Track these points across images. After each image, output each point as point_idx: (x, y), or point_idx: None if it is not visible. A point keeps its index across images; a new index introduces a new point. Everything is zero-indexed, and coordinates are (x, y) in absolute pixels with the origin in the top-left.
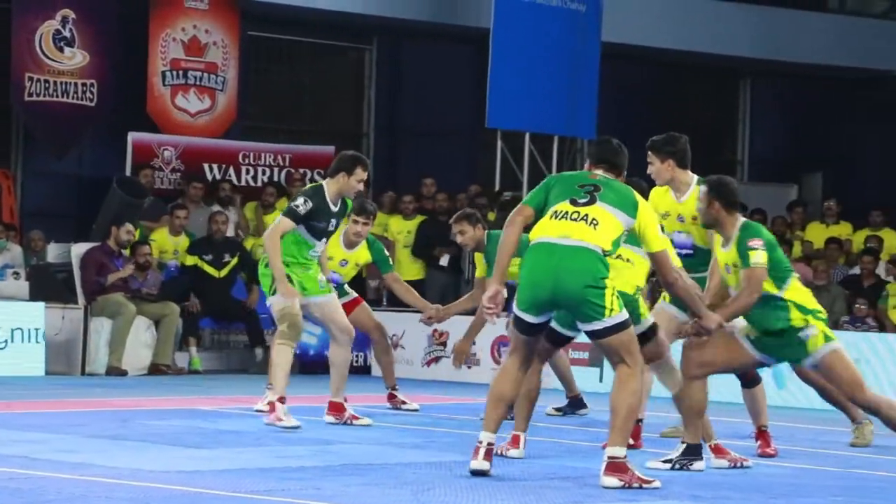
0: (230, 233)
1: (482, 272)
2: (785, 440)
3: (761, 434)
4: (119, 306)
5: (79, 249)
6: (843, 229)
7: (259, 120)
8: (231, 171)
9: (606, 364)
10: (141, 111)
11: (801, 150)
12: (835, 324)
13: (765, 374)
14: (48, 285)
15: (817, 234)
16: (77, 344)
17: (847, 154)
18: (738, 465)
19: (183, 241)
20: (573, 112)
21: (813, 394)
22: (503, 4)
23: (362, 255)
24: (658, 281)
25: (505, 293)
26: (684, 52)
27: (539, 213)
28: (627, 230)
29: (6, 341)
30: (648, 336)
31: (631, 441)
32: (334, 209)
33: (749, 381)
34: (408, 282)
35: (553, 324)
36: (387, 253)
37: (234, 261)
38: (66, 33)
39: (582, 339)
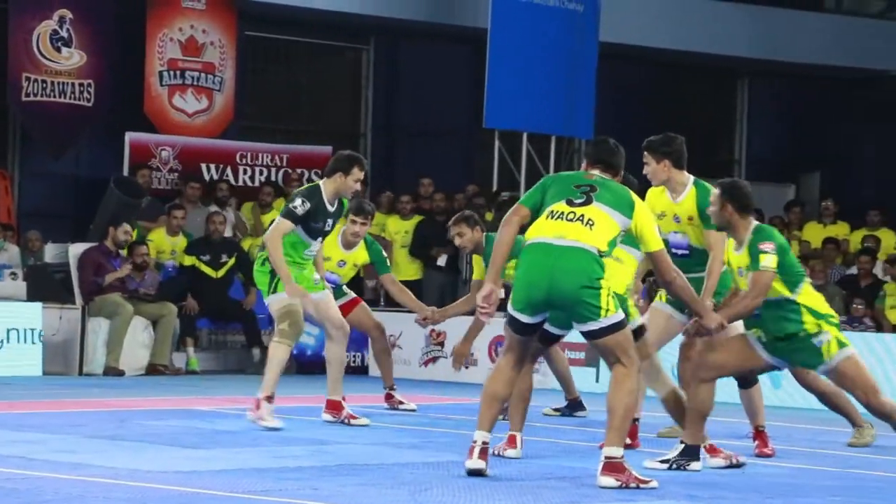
0: (228, 233)
1: (480, 274)
2: (782, 440)
3: (759, 434)
4: (116, 306)
5: (76, 250)
6: (840, 229)
7: (256, 120)
8: (228, 171)
9: (602, 364)
10: (138, 111)
11: (798, 150)
12: None
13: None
14: (45, 285)
15: (815, 233)
16: (74, 344)
17: (844, 154)
18: (734, 461)
19: (180, 242)
20: (571, 112)
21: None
22: (500, 4)
23: (360, 255)
24: (655, 280)
25: (502, 293)
26: (682, 52)
27: (535, 214)
28: (624, 230)
29: (3, 341)
30: (635, 336)
31: (628, 440)
32: (331, 209)
33: (746, 381)
34: (405, 282)
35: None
36: (384, 254)
37: (232, 261)
38: (64, 33)
39: (578, 339)
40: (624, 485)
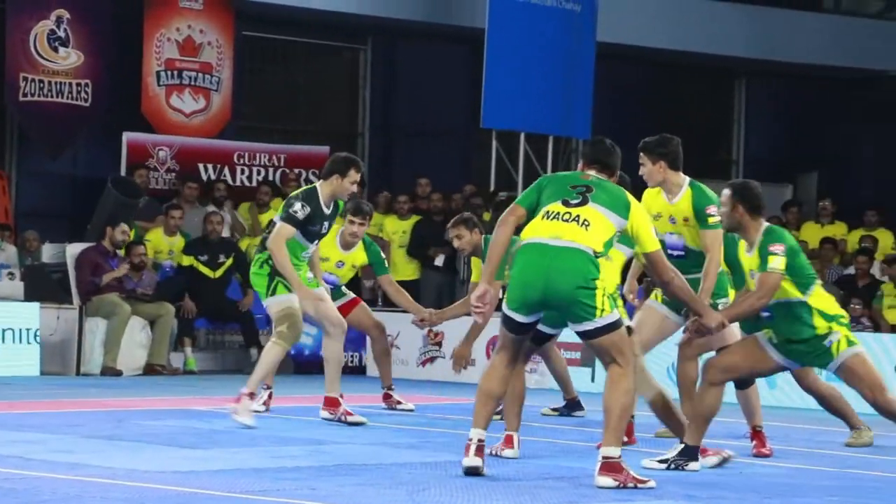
0: (225, 233)
1: (478, 276)
2: (780, 440)
3: (756, 434)
4: (114, 306)
5: (73, 250)
6: (837, 229)
7: (254, 120)
8: (226, 171)
9: (598, 364)
10: (135, 111)
11: (796, 150)
12: None
13: None
14: (43, 285)
15: (812, 233)
16: (72, 344)
17: (842, 154)
18: (724, 455)
19: (178, 242)
20: (568, 112)
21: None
22: (498, 4)
23: (359, 256)
24: (652, 280)
25: (500, 293)
26: (679, 52)
27: (531, 214)
28: (620, 231)
29: (0, 341)
30: None
31: (624, 438)
32: (327, 212)
33: (743, 382)
34: (402, 282)
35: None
36: (383, 255)
37: (230, 261)
38: (61, 33)
39: (574, 339)
40: (622, 485)
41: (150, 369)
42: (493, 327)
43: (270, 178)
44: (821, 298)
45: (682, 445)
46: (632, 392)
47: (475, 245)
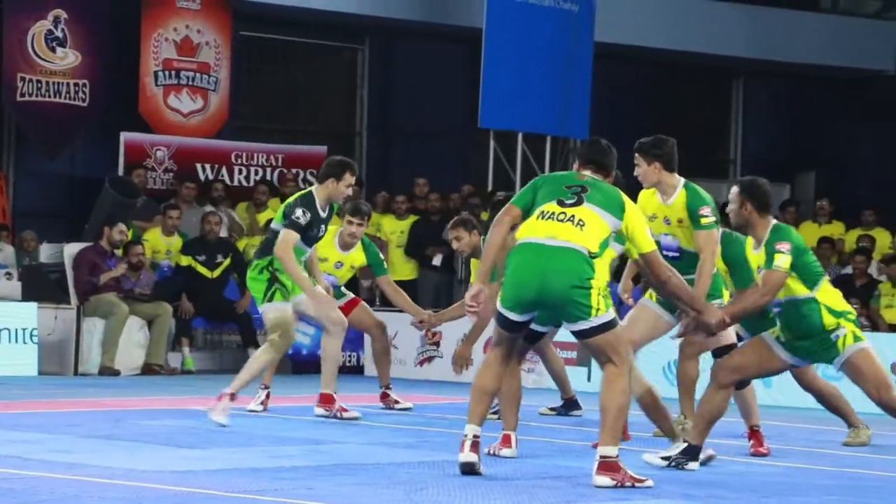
0: (223, 233)
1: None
2: (778, 439)
3: (754, 433)
4: (112, 306)
5: (71, 249)
6: (835, 229)
7: (251, 120)
8: (224, 171)
9: (594, 364)
10: (133, 111)
11: (793, 150)
12: None
13: None
14: (41, 285)
15: (810, 233)
16: (70, 344)
17: (840, 154)
18: (708, 454)
19: (176, 242)
20: (566, 112)
21: (807, 393)
22: (496, 4)
23: (357, 257)
24: (648, 280)
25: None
26: (677, 51)
27: (526, 214)
28: (615, 231)
29: None
30: None
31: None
32: (323, 215)
33: (740, 382)
34: (400, 282)
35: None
36: (382, 256)
37: (227, 261)
38: (58, 33)
39: (569, 338)
40: (619, 484)
41: (147, 369)
42: (491, 327)
43: (268, 178)
44: (829, 294)
45: (686, 444)
46: (628, 391)
47: (474, 246)
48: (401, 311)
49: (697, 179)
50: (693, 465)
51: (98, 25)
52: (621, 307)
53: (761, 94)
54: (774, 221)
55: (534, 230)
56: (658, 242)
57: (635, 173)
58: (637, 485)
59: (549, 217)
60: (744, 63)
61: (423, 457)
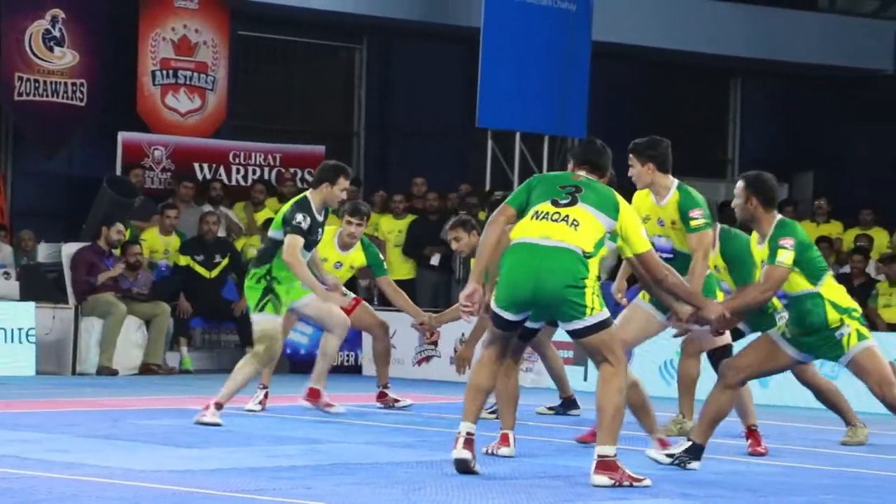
0: (221, 233)
1: None
2: (776, 439)
3: (751, 433)
4: (110, 306)
5: (69, 249)
6: (833, 228)
7: (249, 119)
8: (221, 170)
9: (591, 363)
10: (131, 111)
11: (791, 150)
12: None
13: None
14: (38, 285)
15: (808, 233)
16: (68, 344)
17: (838, 153)
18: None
19: (173, 241)
20: (564, 111)
21: (805, 393)
22: (494, 4)
23: (357, 257)
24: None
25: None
26: (675, 51)
27: (521, 213)
28: (609, 232)
29: None
30: None
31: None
32: (320, 219)
33: None
34: (398, 281)
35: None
36: (381, 257)
37: (225, 261)
38: (56, 33)
39: (566, 338)
40: (617, 483)
41: (145, 369)
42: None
43: (266, 177)
44: (833, 290)
45: (690, 443)
46: (624, 390)
47: (473, 247)
48: (398, 310)
49: (695, 179)
50: (695, 464)
51: (96, 25)
52: (617, 308)
53: (759, 94)
54: (779, 217)
55: (528, 230)
56: (652, 244)
57: (629, 174)
58: (635, 484)
59: (543, 217)
60: (742, 62)
61: (422, 456)
